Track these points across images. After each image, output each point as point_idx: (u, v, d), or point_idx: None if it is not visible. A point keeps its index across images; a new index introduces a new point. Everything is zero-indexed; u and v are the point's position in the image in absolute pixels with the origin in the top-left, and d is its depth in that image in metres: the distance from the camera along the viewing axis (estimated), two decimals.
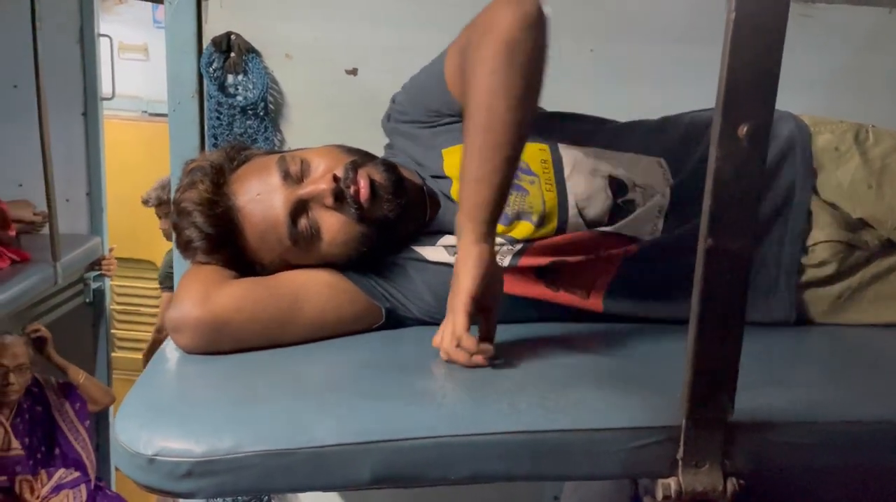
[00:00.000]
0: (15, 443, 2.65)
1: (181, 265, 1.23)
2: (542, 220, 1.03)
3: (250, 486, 0.76)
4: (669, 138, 1.14)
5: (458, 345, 0.86)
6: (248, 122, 1.42)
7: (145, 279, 4.08)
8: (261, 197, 1.00)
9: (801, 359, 1.05)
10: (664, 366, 0.86)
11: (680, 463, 0.75)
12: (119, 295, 4.09)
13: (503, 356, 0.88)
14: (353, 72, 1.42)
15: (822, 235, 1.07)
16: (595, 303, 1.06)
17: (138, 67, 4.13)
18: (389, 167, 1.04)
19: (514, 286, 1.02)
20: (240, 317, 0.93)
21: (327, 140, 1.11)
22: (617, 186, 1.06)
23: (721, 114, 0.65)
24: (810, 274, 1.08)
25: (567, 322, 1.07)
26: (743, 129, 0.65)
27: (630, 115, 1.28)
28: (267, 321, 0.95)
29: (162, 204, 3.08)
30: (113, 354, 3.66)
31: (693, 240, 0.91)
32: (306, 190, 1.00)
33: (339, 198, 0.99)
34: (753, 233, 0.70)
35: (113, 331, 3.85)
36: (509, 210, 1.01)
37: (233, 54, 1.39)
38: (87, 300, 3.35)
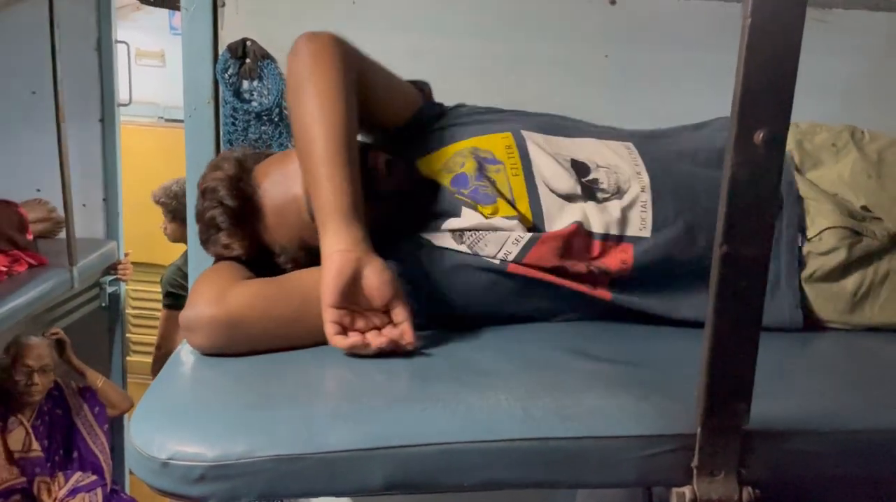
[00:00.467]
0: (35, 445, 2.67)
1: (196, 270, 1.23)
2: (513, 203, 1.06)
3: (263, 491, 0.76)
4: (639, 132, 1.18)
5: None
6: (263, 128, 1.43)
7: (160, 283, 4.10)
8: (281, 178, 1.06)
9: (816, 366, 1.04)
10: (678, 373, 0.85)
11: (695, 471, 0.75)
12: (134, 299, 4.12)
13: (516, 361, 0.88)
14: None
15: (827, 222, 1.07)
16: (602, 292, 1.06)
17: (155, 74, 4.17)
18: (384, 154, 1.09)
19: (523, 268, 1.03)
20: (252, 314, 0.94)
21: None
22: (579, 168, 1.09)
23: (737, 120, 0.65)
24: (820, 263, 1.07)
25: (577, 312, 1.07)
26: (759, 136, 0.65)
27: (644, 122, 1.28)
28: (279, 319, 0.96)
29: (165, 204, 3.12)
30: (128, 358, 3.69)
31: (685, 240, 1.02)
32: None
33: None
34: (769, 240, 0.70)
35: (128, 335, 3.87)
36: (487, 192, 1.05)
37: (248, 60, 1.40)
38: (103, 304, 3.37)
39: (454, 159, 1.10)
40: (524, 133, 1.12)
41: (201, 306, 0.94)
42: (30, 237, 2.78)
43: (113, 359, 3.48)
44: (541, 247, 1.02)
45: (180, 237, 3.12)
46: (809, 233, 1.08)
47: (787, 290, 1.07)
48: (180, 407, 0.85)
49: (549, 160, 1.09)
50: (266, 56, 1.41)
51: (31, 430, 2.67)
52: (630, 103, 1.44)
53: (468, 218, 1.04)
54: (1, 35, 2.94)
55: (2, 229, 2.65)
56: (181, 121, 1.39)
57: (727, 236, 0.67)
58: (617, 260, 1.04)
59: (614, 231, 1.05)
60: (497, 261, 1.02)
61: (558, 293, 1.05)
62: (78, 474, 2.76)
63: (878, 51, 1.53)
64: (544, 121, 1.18)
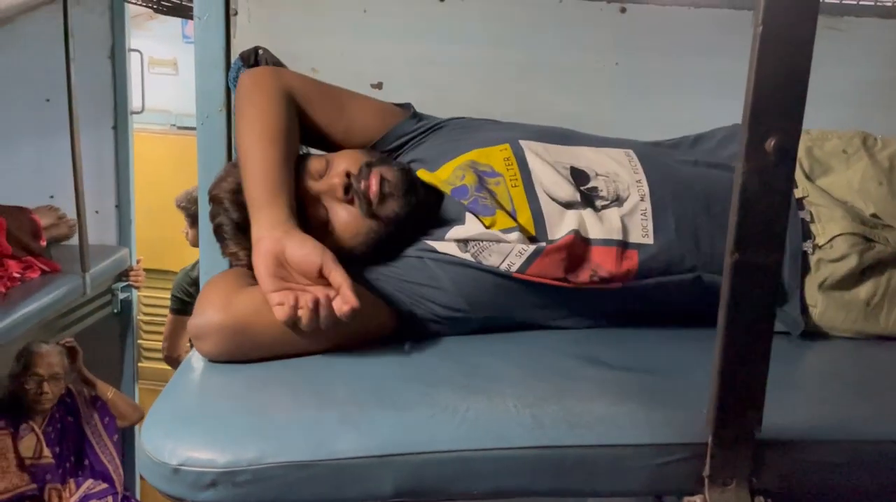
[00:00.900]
0: (46, 452, 2.68)
1: (207, 275, 1.24)
2: (514, 214, 1.06)
3: (273, 497, 0.76)
4: (639, 142, 1.19)
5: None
6: None
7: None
8: None
9: (828, 375, 1.03)
10: (689, 381, 0.85)
11: (706, 480, 0.74)
12: (146, 305, 4.14)
13: (525, 367, 0.87)
14: (379, 85, 1.43)
15: (838, 228, 1.07)
16: (629, 265, 1.04)
17: (167, 82, 4.20)
18: (403, 168, 1.10)
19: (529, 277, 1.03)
20: (260, 320, 0.94)
21: None
22: (578, 175, 1.09)
23: (748, 127, 0.65)
24: (831, 270, 1.07)
25: (586, 318, 1.07)
26: (770, 143, 0.65)
27: (654, 129, 1.28)
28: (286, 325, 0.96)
29: (186, 209, 3.14)
30: (139, 364, 3.70)
31: (688, 246, 1.03)
32: (321, 185, 1.06)
33: (350, 192, 1.05)
34: (781, 247, 0.70)
35: (139, 341, 3.89)
36: (487, 203, 1.06)
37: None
38: (115, 310, 3.39)
39: (455, 173, 1.10)
40: (522, 143, 1.13)
41: (209, 313, 0.94)
42: (43, 243, 2.80)
43: (125, 365, 3.49)
44: (543, 260, 1.02)
45: None
46: (820, 241, 1.07)
47: (791, 296, 1.06)
48: (191, 413, 0.85)
49: (548, 168, 1.09)
50: (278, 64, 1.42)
51: (42, 437, 2.68)
52: (640, 110, 1.44)
53: (472, 225, 1.05)
54: (16, 43, 2.98)
55: (16, 235, 2.67)
56: (193, 128, 1.40)
57: (739, 244, 0.67)
58: (622, 267, 1.04)
59: (617, 237, 1.04)
60: (501, 271, 1.02)
61: (565, 295, 1.05)
62: (89, 481, 2.77)
63: (890, 58, 1.52)
64: (543, 130, 1.19)
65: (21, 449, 2.63)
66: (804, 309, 1.07)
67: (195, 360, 0.97)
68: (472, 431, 0.78)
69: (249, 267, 1.07)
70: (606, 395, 0.85)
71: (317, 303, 0.90)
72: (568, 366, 0.94)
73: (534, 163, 1.10)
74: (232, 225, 1.08)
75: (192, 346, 1.00)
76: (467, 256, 1.03)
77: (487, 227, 1.04)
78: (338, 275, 0.92)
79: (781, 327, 1.06)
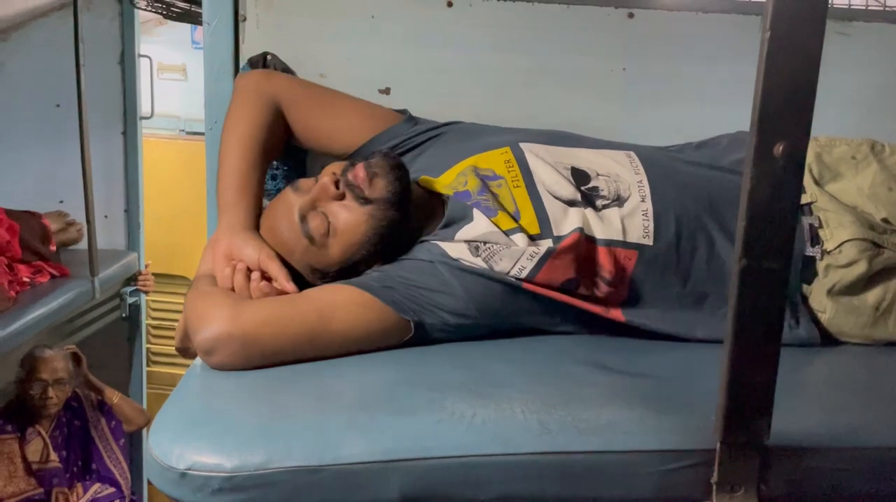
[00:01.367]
0: (53, 456, 2.69)
1: None
2: (517, 215, 1.06)
3: None
4: (641, 146, 1.19)
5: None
6: None
7: (180, 295, 4.12)
8: (279, 214, 1.09)
9: (836, 381, 1.02)
10: (697, 387, 0.84)
11: (714, 487, 0.74)
12: (154, 310, 4.15)
13: (532, 373, 0.87)
14: (387, 91, 1.43)
15: (847, 234, 1.06)
16: (616, 313, 1.06)
17: (176, 87, 4.22)
18: (387, 153, 1.12)
19: (538, 288, 1.03)
20: (268, 331, 0.95)
21: None
22: (579, 176, 1.10)
23: (756, 133, 0.65)
24: (840, 275, 1.06)
25: (592, 331, 1.07)
26: (779, 149, 0.65)
27: (661, 135, 1.28)
28: (294, 336, 0.96)
29: None
30: (148, 368, 3.71)
31: (688, 247, 1.04)
32: (313, 191, 1.07)
33: (340, 186, 1.06)
34: (789, 253, 0.69)
35: (148, 345, 3.90)
36: (489, 205, 1.07)
37: None
38: (124, 315, 3.39)
39: (457, 179, 1.11)
40: (522, 145, 1.14)
41: (218, 326, 0.94)
42: (53, 248, 2.81)
43: (133, 369, 3.50)
44: (554, 262, 1.02)
45: None
46: (829, 246, 1.07)
47: (801, 305, 1.06)
48: (198, 417, 0.85)
49: (549, 169, 1.10)
50: (286, 69, 1.42)
51: (49, 441, 2.69)
52: (647, 116, 1.44)
53: (481, 222, 1.05)
54: (27, 49, 3.00)
55: (26, 240, 2.68)
56: (202, 133, 1.41)
57: (747, 250, 0.67)
58: (626, 266, 1.04)
59: (617, 237, 1.05)
60: (512, 279, 1.02)
61: (572, 312, 1.06)
62: (97, 485, 2.77)
63: None
64: (543, 133, 1.19)
65: (28, 454, 2.63)
66: (814, 318, 1.07)
67: (202, 365, 0.97)
68: (478, 437, 0.78)
69: None
70: (614, 401, 0.85)
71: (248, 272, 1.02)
72: (575, 371, 0.94)
73: (534, 164, 1.11)
74: None
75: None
76: (479, 261, 1.03)
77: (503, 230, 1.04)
78: (273, 267, 1.03)
79: (792, 338, 1.05)
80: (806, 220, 1.09)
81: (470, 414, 0.82)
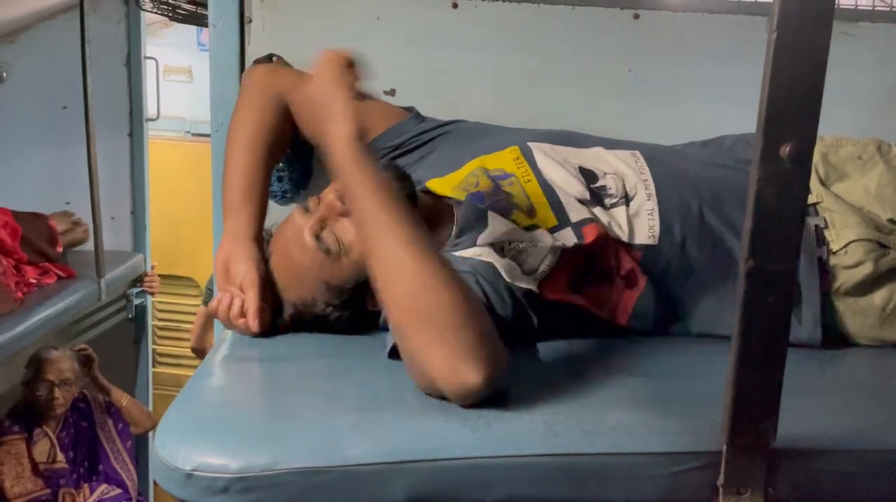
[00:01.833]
0: (60, 456, 2.69)
1: None
2: (532, 210, 1.06)
3: None
4: (646, 145, 1.19)
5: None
6: None
7: (186, 296, 4.14)
8: (289, 239, 1.06)
9: (844, 383, 1.02)
10: (703, 389, 0.84)
11: (720, 489, 0.74)
12: (160, 311, 4.16)
13: (538, 374, 0.87)
14: (392, 92, 1.43)
15: (853, 234, 1.06)
16: (621, 314, 1.07)
17: (182, 89, 4.23)
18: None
19: (547, 291, 1.02)
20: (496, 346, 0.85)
21: None
22: (587, 174, 1.10)
23: (763, 133, 0.65)
24: (846, 276, 1.06)
25: (599, 333, 1.06)
26: (785, 150, 0.65)
27: (667, 135, 1.28)
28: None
29: None
30: (154, 369, 3.72)
31: (692, 246, 1.05)
32: (320, 210, 1.04)
33: (345, 201, 1.03)
34: (796, 254, 0.69)
35: (154, 346, 3.91)
36: (504, 205, 1.07)
37: None
38: (130, 316, 3.40)
39: (468, 179, 1.11)
40: (530, 144, 1.14)
41: (471, 381, 0.79)
42: (59, 250, 2.82)
43: (139, 370, 3.51)
44: (570, 258, 1.02)
45: None
46: (835, 247, 1.06)
47: (807, 306, 1.05)
48: (205, 418, 0.85)
49: (558, 167, 1.10)
50: None
51: (56, 442, 2.69)
52: (653, 117, 1.43)
53: (497, 224, 1.04)
54: (33, 51, 3.01)
55: (32, 241, 2.69)
56: (208, 135, 1.41)
57: (753, 251, 0.67)
58: (633, 265, 1.05)
59: (624, 238, 1.06)
60: (534, 281, 1.00)
61: (578, 313, 1.05)
62: (103, 486, 2.78)
63: None
64: (550, 133, 1.20)
65: (35, 454, 2.64)
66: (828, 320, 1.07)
67: (210, 366, 0.98)
68: (484, 438, 0.78)
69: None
70: (620, 403, 0.85)
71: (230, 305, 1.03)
72: (581, 372, 0.93)
73: (543, 161, 1.11)
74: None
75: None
76: (505, 261, 1.00)
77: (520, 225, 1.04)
78: (249, 296, 1.03)
79: (796, 339, 1.05)
80: (811, 221, 1.09)
81: (475, 415, 0.81)
